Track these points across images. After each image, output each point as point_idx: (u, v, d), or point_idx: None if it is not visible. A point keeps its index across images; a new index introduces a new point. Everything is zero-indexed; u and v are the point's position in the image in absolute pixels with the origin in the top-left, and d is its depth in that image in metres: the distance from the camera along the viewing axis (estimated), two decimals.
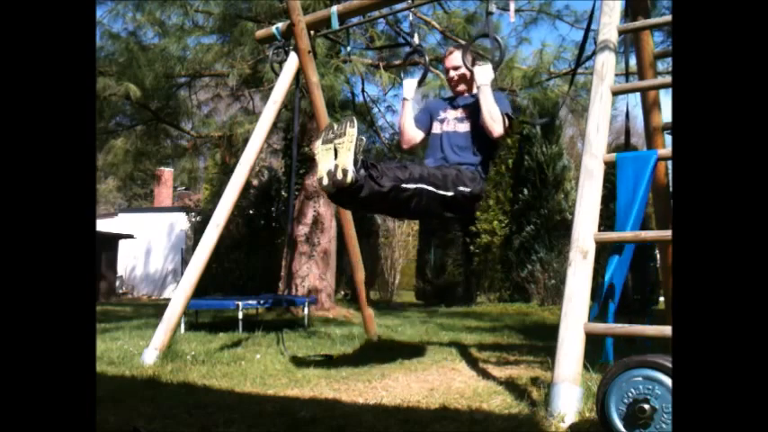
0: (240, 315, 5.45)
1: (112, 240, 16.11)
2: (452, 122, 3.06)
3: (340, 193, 2.47)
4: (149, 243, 18.56)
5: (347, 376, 2.96)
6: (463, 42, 3.88)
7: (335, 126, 2.44)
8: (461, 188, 2.80)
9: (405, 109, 3.23)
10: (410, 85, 3.26)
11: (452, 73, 3.16)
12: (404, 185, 2.59)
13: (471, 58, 3.12)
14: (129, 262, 18.52)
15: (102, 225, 17.23)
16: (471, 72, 3.09)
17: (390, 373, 3.05)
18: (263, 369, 3.20)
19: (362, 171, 2.43)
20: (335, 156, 2.40)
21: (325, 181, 2.41)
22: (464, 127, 3.02)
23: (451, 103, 3.16)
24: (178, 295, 3.63)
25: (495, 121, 2.90)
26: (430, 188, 2.68)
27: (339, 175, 2.36)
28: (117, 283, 17.04)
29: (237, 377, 2.96)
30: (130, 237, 16.82)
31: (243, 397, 2.51)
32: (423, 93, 8.21)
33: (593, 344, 2.22)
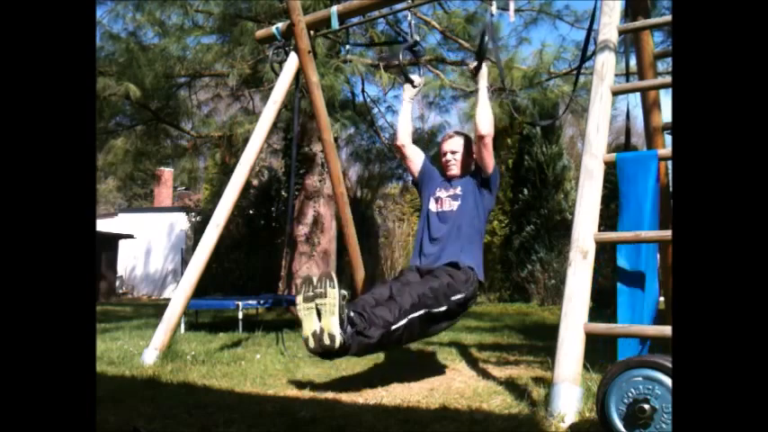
0: (240, 315, 5.45)
1: (112, 240, 16.13)
2: (447, 201, 3.07)
3: (328, 354, 2.40)
4: (149, 243, 18.57)
5: (347, 376, 2.96)
6: (466, 54, 3.87)
7: (315, 282, 2.38)
8: (454, 297, 2.71)
9: (402, 109, 3.34)
10: (409, 88, 3.33)
11: (449, 156, 3.16)
12: (393, 327, 2.48)
13: (470, 143, 3.18)
14: (129, 262, 18.54)
15: (102, 225, 17.26)
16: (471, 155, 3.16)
17: (390, 373, 3.05)
18: (263, 369, 3.21)
19: (349, 328, 2.35)
20: (319, 317, 2.34)
21: (312, 344, 2.34)
22: (457, 204, 3.03)
23: (445, 182, 3.16)
24: (178, 295, 3.63)
25: (486, 120, 2.97)
26: (421, 312, 2.58)
27: (326, 341, 2.30)
28: (117, 283, 17.05)
29: (237, 377, 2.96)
30: (130, 237, 16.84)
31: (243, 397, 2.51)
32: (423, 93, 8.24)
33: (593, 344, 2.22)
